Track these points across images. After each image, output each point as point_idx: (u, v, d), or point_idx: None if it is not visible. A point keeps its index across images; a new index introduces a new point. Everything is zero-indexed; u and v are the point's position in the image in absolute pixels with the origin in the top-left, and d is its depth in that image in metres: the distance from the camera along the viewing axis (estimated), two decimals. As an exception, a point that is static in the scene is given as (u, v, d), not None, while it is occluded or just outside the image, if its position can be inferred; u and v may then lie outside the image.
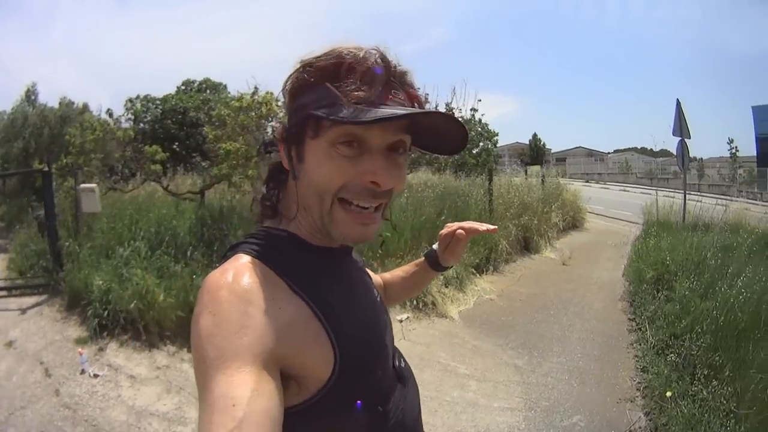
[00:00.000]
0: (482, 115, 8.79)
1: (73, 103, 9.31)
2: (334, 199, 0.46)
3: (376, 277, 0.77)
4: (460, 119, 0.48)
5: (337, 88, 0.43)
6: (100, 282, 3.00)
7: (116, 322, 2.83)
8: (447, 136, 0.49)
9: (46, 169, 3.77)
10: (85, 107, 9.16)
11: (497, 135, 10.12)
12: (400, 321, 3.31)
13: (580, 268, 5.22)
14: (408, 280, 0.81)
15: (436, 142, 0.51)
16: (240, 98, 3.88)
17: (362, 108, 0.42)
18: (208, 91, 11.64)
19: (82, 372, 2.44)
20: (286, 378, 0.42)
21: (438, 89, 7.79)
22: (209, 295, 0.42)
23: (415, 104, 0.49)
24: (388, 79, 0.46)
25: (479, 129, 9.50)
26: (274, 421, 0.36)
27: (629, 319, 3.54)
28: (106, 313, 2.85)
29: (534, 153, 26.51)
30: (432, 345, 3.08)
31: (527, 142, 28.93)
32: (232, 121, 3.85)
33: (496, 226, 0.77)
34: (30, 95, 9.52)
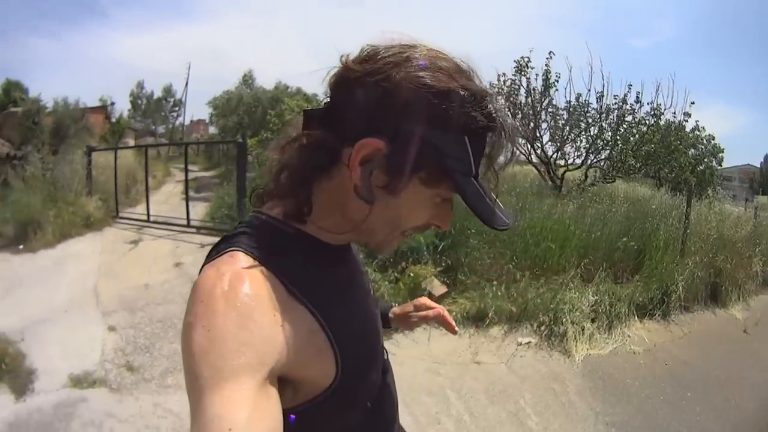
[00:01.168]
0: (700, 126, 7.48)
1: (287, 87, 12.22)
2: (401, 232, 0.47)
3: None
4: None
5: (485, 158, 0.43)
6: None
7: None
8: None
9: (241, 140, 5.30)
10: (299, 90, 11.81)
11: (723, 152, 8.80)
12: (520, 344, 3.07)
13: (763, 343, 3.87)
14: None
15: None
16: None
17: (487, 194, 0.42)
18: None
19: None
20: (282, 382, 0.40)
21: (643, 87, 6.77)
22: (203, 305, 0.38)
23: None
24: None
25: (703, 143, 8.23)
26: None
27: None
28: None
29: (764, 179, 23.08)
30: (525, 381, 2.70)
31: (758, 165, 25.14)
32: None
33: (456, 330, 0.73)
34: (247, 79, 13.20)
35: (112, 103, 14.20)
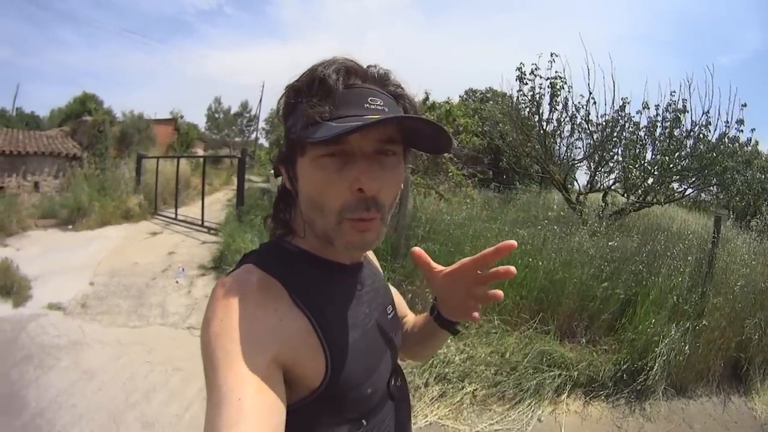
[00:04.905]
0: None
1: None
2: (341, 219, 0.57)
3: (400, 300, 0.89)
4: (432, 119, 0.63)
5: (307, 106, 0.54)
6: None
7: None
8: (431, 136, 0.57)
9: (240, 156, 7.08)
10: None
11: None
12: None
13: None
14: (420, 331, 0.84)
15: (428, 142, 0.60)
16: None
17: (321, 124, 0.52)
18: (490, 102, 13.42)
19: (177, 281, 4.95)
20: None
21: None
22: (219, 303, 0.54)
23: (403, 105, 0.61)
24: (352, 87, 0.56)
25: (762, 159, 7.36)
26: (277, 415, 0.48)
27: None
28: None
29: None
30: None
31: None
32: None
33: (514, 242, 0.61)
34: None
35: (181, 116, 18.39)
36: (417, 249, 0.69)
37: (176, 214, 8.06)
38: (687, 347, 3.28)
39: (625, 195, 6.24)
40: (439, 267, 0.70)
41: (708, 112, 5.61)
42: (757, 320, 3.71)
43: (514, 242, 0.60)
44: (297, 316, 0.56)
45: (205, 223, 7.48)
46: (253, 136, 29.22)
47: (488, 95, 13.19)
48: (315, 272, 0.62)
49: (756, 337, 3.66)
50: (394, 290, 0.85)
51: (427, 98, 6.08)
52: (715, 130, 5.69)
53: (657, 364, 3.16)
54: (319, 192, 0.57)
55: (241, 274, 0.58)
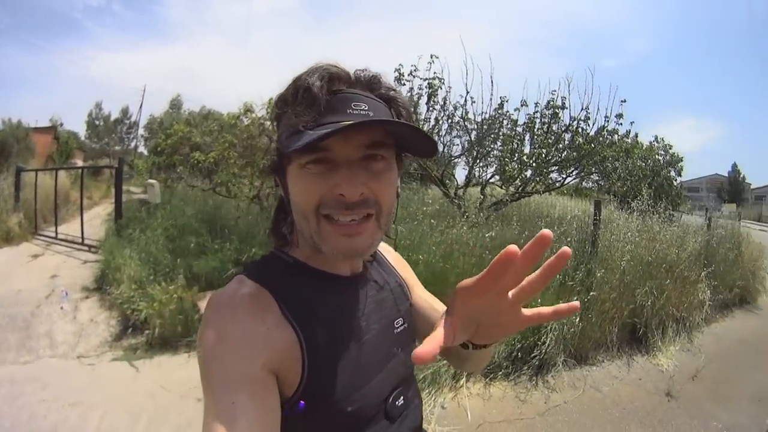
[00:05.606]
0: (659, 137, 7.94)
1: (210, 110, 14.28)
2: (318, 216, 0.60)
3: (428, 307, 0.83)
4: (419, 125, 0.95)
5: (292, 115, 0.57)
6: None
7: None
8: (417, 139, 0.59)
9: (117, 166, 6.76)
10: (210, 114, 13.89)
11: (682, 161, 9.62)
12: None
13: (693, 410, 3.26)
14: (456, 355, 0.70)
15: (417, 145, 0.61)
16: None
17: (303, 132, 0.55)
18: None
19: (62, 307, 4.65)
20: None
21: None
22: (212, 313, 0.59)
23: (395, 109, 0.64)
24: (336, 94, 0.58)
25: (661, 153, 8.85)
26: (271, 418, 0.54)
27: None
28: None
29: (732, 188, 26.24)
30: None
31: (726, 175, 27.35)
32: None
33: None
34: (175, 103, 15.79)
35: (61, 124, 16.84)
36: (420, 354, 0.44)
37: (56, 233, 7.44)
38: (578, 320, 3.64)
39: (503, 187, 6.75)
40: (447, 337, 0.48)
41: (587, 108, 6.32)
42: (648, 288, 4.29)
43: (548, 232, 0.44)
44: (284, 327, 0.59)
45: (86, 241, 7.04)
46: (133, 144, 27.26)
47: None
48: (308, 283, 0.65)
49: (648, 303, 4.24)
50: (425, 298, 0.84)
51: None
52: (594, 124, 6.42)
53: (549, 339, 3.42)
54: (303, 197, 0.60)
55: (233, 286, 0.63)
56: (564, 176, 6.93)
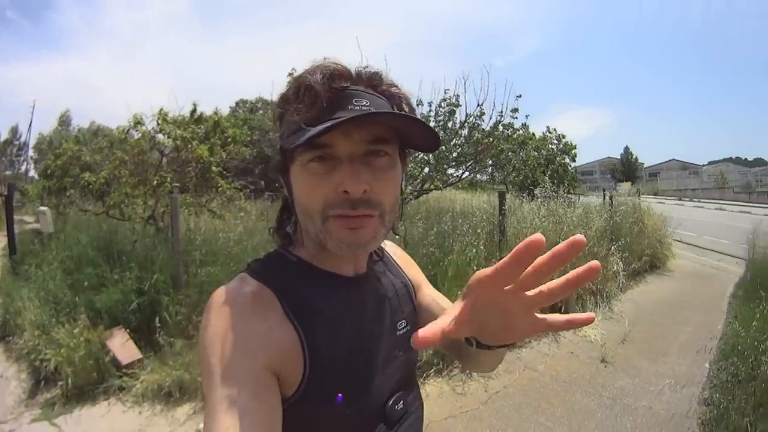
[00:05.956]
0: (551, 128, 8.28)
1: (99, 126, 12.67)
2: (324, 216, 0.58)
3: (431, 306, 0.81)
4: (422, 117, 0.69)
5: (293, 113, 0.57)
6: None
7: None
8: (421, 134, 0.59)
9: (6, 194, 5.70)
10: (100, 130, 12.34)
11: (575, 148, 10.52)
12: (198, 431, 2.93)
13: (631, 370, 3.42)
14: (463, 354, 0.75)
15: (420, 140, 0.61)
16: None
17: (304, 130, 0.54)
18: (260, 112, 13.95)
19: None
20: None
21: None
22: (213, 311, 0.57)
23: (397, 104, 0.62)
24: (337, 91, 0.56)
25: (554, 142, 9.64)
26: (273, 417, 0.51)
27: None
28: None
29: (626, 168, 28.67)
30: None
31: (619, 157, 30.90)
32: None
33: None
34: (64, 120, 13.93)
35: None
36: (420, 337, 0.45)
37: None
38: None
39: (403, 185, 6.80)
40: (450, 324, 0.46)
41: (482, 104, 6.47)
42: (561, 269, 4.61)
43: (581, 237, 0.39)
44: (286, 326, 0.58)
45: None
46: (24, 167, 24.29)
47: (258, 105, 13.69)
48: (312, 283, 0.63)
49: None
50: (432, 296, 0.83)
51: (194, 110, 5.78)
52: (490, 119, 6.60)
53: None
54: (307, 196, 0.58)
55: (236, 284, 0.61)
56: (461, 171, 7.15)
